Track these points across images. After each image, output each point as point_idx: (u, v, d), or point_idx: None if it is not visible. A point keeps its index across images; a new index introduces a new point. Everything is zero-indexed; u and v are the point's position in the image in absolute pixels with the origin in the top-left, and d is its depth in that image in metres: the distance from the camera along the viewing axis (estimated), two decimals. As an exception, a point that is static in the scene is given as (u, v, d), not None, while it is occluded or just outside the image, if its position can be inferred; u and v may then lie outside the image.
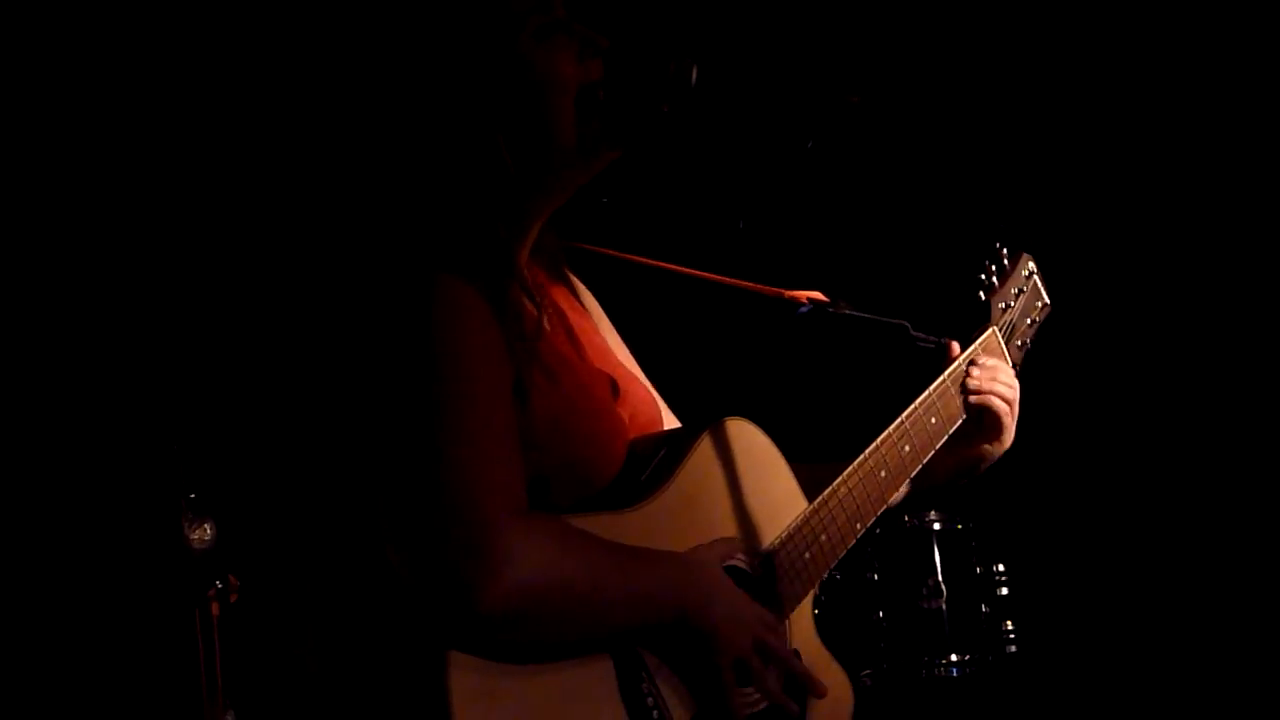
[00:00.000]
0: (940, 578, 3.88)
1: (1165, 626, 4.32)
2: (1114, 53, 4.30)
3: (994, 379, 2.53)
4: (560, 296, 2.26)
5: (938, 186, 4.24)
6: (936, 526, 3.92)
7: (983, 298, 2.68)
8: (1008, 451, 2.58)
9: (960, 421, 2.51)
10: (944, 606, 3.86)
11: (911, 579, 3.89)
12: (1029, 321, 2.73)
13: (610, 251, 2.47)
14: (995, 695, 3.90)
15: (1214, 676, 4.20)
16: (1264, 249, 4.24)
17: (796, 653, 2.16)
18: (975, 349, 2.57)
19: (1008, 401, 2.53)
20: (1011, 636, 3.91)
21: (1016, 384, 2.57)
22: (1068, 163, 4.38)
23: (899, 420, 2.41)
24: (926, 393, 2.47)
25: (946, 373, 2.51)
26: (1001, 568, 3.96)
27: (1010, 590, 3.94)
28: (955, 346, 2.59)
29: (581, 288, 2.37)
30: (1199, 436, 4.33)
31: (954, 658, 3.85)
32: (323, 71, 3.64)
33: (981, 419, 2.53)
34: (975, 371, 2.53)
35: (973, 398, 2.51)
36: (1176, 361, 4.35)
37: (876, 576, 3.90)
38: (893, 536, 3.93)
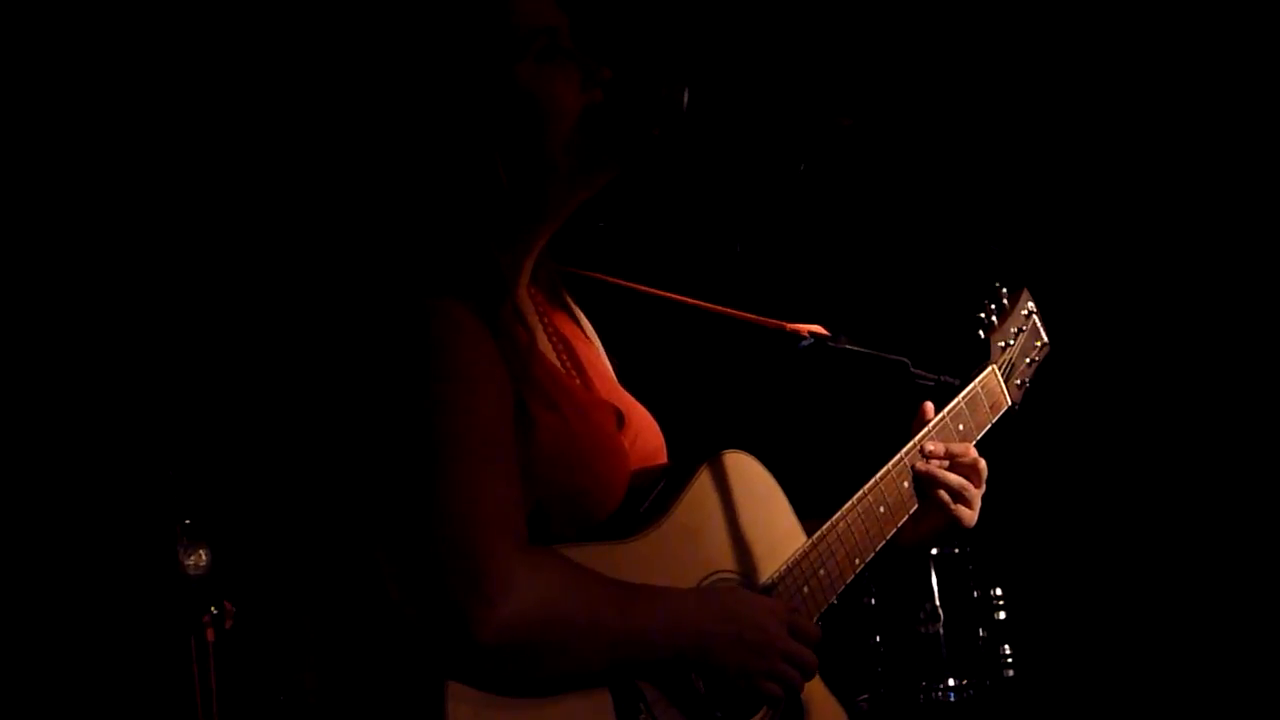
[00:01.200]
0: (938, 602, 3.87)
1: (1164, 651, 4.31)
2: (1112, 79, 4.30)
3: (940, 470, 2.45)
4: (563, 324, 2.25)
5: (934, 213, 4.24)
6: (934, 551, 3.91)
7: (982, 336, 2.68)
8: (1005, 475, 2.57)
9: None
10: (941, 631, 3.85)
11: (909, 603, 3.88)
12: (1028, 361, 2.72)
13: (612, 279, 2.46)
14: (993, 720, 3.88)
15: (1214, 700, 4.19)
16: (1260, 280, 4.24)
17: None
18: (962, 398, 2.55)
19: (953, 489, 2.44)
20: (1009, 661, 3.90)
21: (980, 468, 2.48)
22: (1067, 188, 4.38)
23: (898, 456, 2.41)
24: (926, 429, 2.46)
25: (946, 410, 2.51)
26: (999, 592, 3.95)
27: (1008, 615, 3.93)
28: (925, 411, 2.54)
29: (582, 316, 2.36)
30: (1195, 460, 4.32)
31: (951, 682, 3.83)
32: (322, 93, 3.65)
33: (929, 504, 2.45)
34: (932, 448, 2.45)
35: (920, 485, 2.44)
36: (1171, 385, 4.34)
37: (873, 601, 3.89)
38: (889, 561, 3.91)
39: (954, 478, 2.44)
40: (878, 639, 3.87)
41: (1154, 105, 4.28)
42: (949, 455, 2.45)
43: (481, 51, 2.01)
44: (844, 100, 2.31)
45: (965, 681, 3.84)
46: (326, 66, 3.59)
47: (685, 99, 2.07)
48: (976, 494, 2.46)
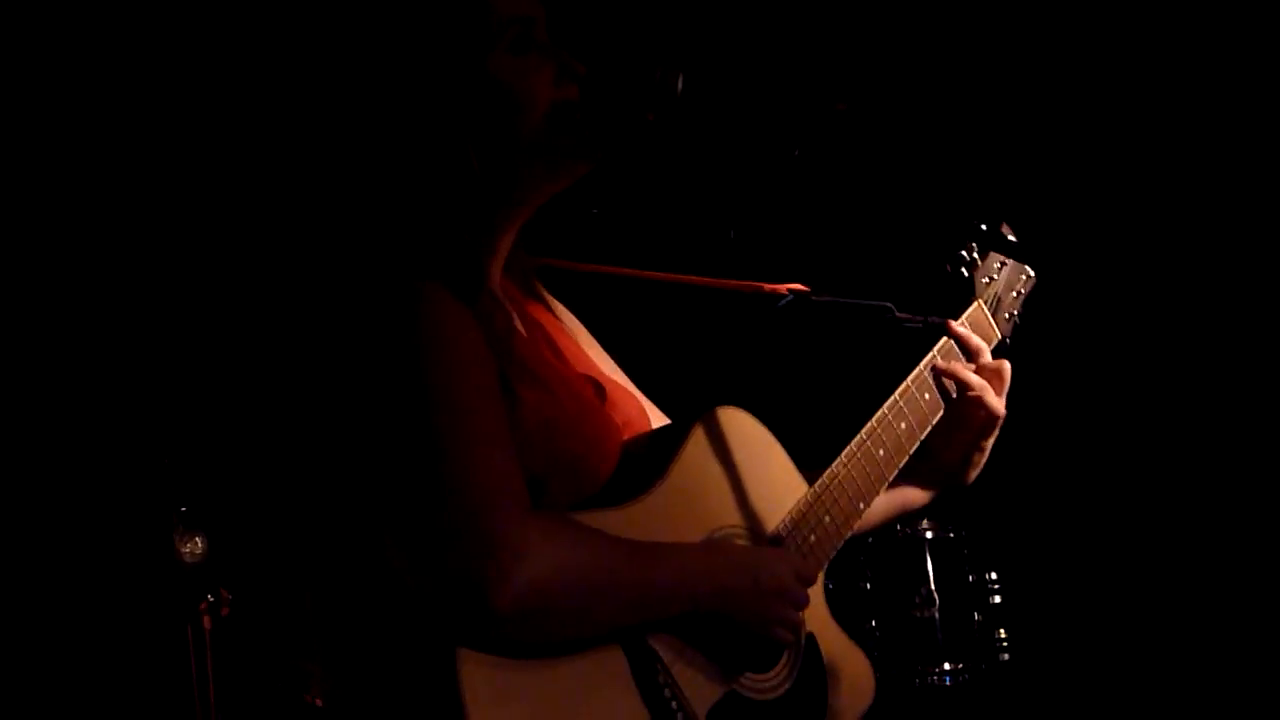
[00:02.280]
0: (933, 586, 3.88)
1: (1159, 634, 4.32)
2: (1092, 48, 4.31)
3: (964, 370, 2.50)
4: (537, 312, 2.27)
5: (920, 174, 4.24)
6: (929, 535, 3.92)
7: (965, 274, 2.68)
8: (1000, 459, 2.57)
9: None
10: (937, 615, 3.86)
11: (904, 588, 3.89)
12: (1014, 294, 2.73)
13: (583, 266, 2.47)
14: (988, 704, 3.89)
15: (1209, 683, 4.20)
16: (1258, 245, 4.24)
17: (811, 636, 2.17)
18: (937, 351, 2.55)
19: (976, 385, 2.48)
20: (1005, 645, 3.91)
21: (1004, 370, 2.53)
22: (1049, 154, 4.39)
23: (893, 398, 2.42)
24: (918, 369, 2.47)
25: (936, 348, 2.52)
26: (994, 576, 3.96)
27: (1003, 599, 3.94)
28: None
29: (558, 305, 2.37)
30: (1192, 440, 4.32)
31: (947, 666, 3.85)
32: (298, 82, 3.64)
33: (966, 404, 2.49)
34: (942, 362, 2.50)
35: (957, 390, 2.49)
36: (1169, 364, 4.35)
37: (869, 585, 3.90)
38: (885, 545, 3.93)
39: (976, 379, 2.48)
40: (873, 623, 3.88)
41: (1139, 80, 4.29)
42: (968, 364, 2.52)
43: (455, 40, 2.02)
44: (838, 85, 2.32)
45: (961, 666, 3.86)
46: (302, 54, 3.58)
47: (679, 84, 2.07)
48: (999, 388, 2.50)
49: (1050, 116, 4.38)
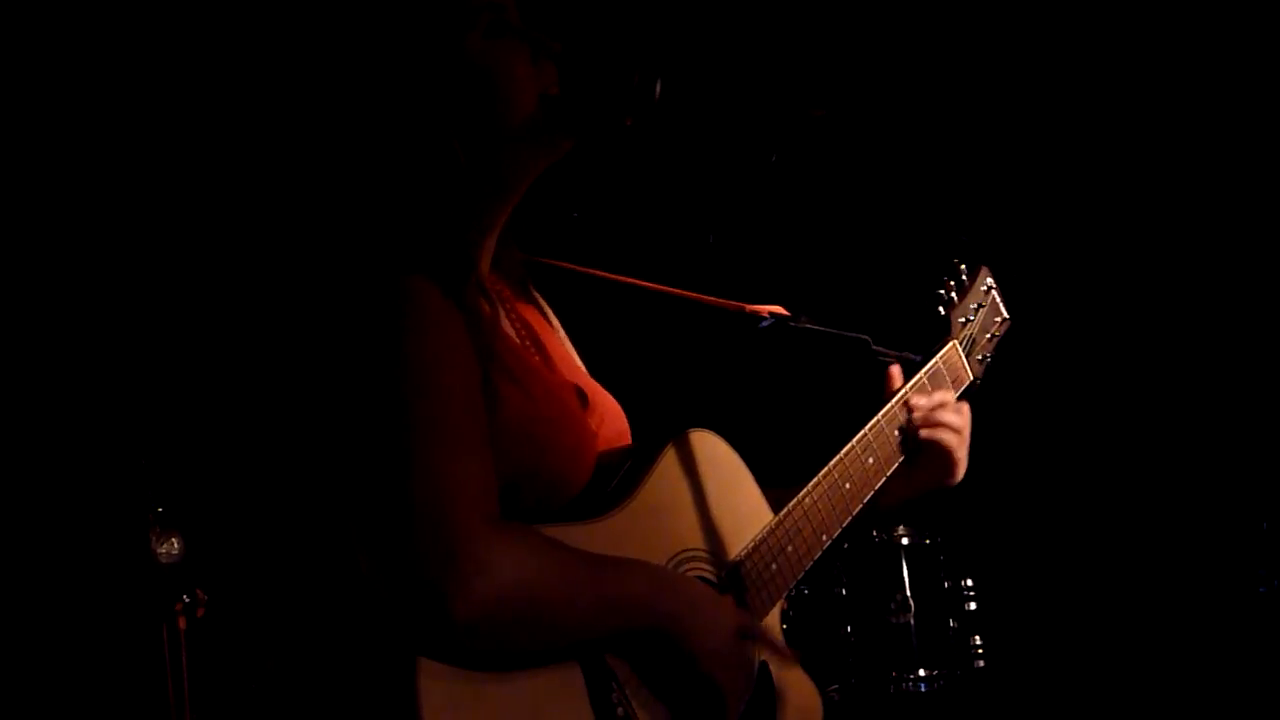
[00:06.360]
0: (908, 592, 3.89)
1: (1134, 640, 4.34)
2: (1073, 66, 4.33)
3: (941, 411, 2.49)
4: (527, 313, 2.26)
5: (899, 201, 4.26)
6: (905, 541, 3.93)
7: (942, 312, 2.69)
8: (976, 467, 2.58)
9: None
10: (912, 621, 3.87)
11: (880, 594, 3.90)
12: (989, 336, 2.75)
13: (572, 266, 2.47)
14: (963, 710, 3.90)
15: (1184, 687, 4.21)
16: (1225, 259, 4.27)
17: (765, 664, 2.16)
18: (925, 373, 2.56)
19: (956, 431, 2.47)
20: (980, 651, 3.92)
21: (965, 412, 2.52)
22: (1028, 177, 4.41)
23: (862, 433, 2.42)
24: (888, 405, 2.48)
25: (909, 384, 2.52)
26: (970, 582, 3.97)
27: (978, 605, 3.95)
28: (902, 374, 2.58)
29: (549, 308, 2.37)
30: (1163, 447, 4.35)
31: (922, 673, 3.85)
32: (280, 78, 3.64)
33: (929, 453, 2.48)
34: (920, 401, 2.48)
35: (923, 432, 2.46)
36: (1139, 374, 4.37)
37: (845, 591, 3.91)
38: (861, 551, 3.93)
39: (956, 419, 2.48)
40: (849, 629, 3.88)
41: (1113, 81, 4.31)
42: (936, 406, 2.49)
43: (429, 28, 2.02)
44: (815, 91, 2.32)
45: (936, 672, 3.86)
46: (283, 49, 3.58)
47: (658, 89, 2.07)
48: (967, 441, 2.50)
49: (1031, 136, 4.40)
